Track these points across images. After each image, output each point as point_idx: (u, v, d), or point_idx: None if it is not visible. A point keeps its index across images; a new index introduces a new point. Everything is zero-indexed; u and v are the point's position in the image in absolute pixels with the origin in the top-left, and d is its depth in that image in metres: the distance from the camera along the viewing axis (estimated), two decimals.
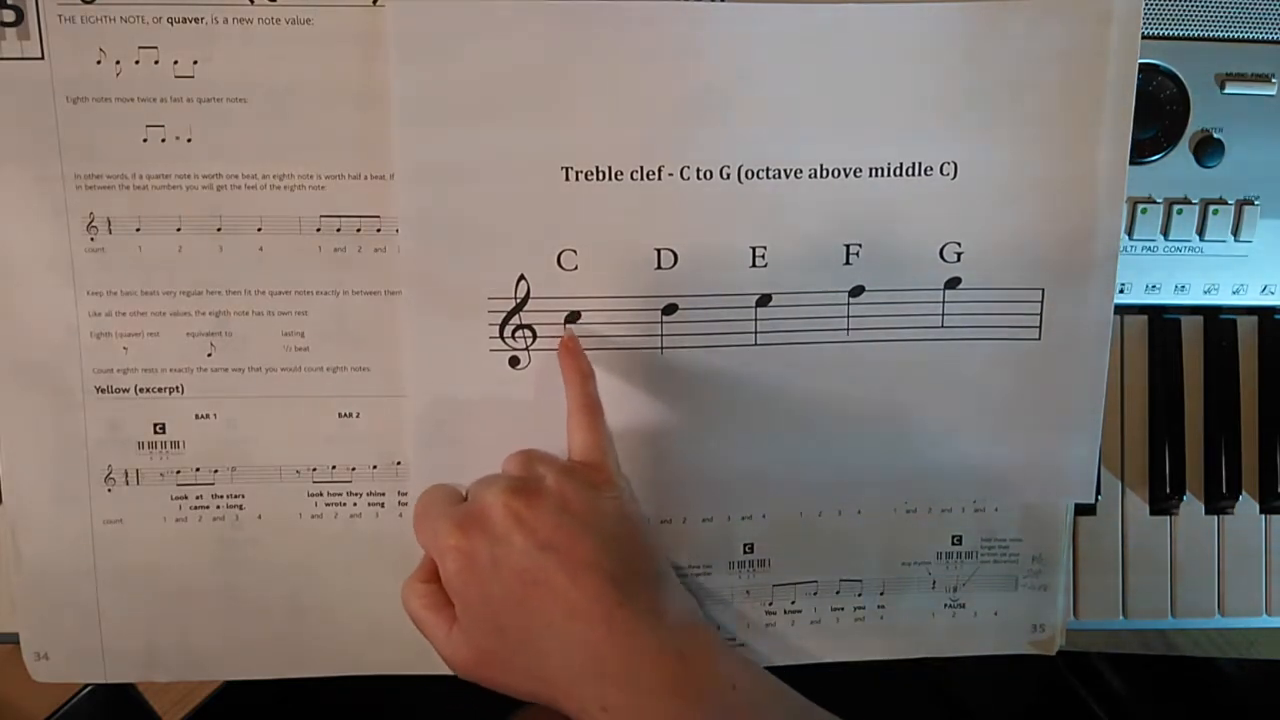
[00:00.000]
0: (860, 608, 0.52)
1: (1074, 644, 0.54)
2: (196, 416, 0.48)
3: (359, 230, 0.47)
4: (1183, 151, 0.52)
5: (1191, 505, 0.55)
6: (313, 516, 0.49)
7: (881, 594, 0.52)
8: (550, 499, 0.41)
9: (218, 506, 0.49)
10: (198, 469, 0.49)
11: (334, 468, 0.49)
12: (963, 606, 0.52)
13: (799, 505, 0.50)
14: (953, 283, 0.48)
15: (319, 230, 0.47)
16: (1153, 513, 0.55)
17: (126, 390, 0.48)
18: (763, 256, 0.47)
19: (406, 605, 0.44)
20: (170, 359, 0.48)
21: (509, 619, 0.40)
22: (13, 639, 0.49)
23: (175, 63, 0.45)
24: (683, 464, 0.49)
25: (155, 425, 0.48)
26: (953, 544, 0.52)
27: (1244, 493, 0.55)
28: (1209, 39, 0.51)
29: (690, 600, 0.43)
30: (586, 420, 0.45)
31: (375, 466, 0.49)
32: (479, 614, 0.41)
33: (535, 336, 0.47)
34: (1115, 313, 0.49)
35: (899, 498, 0.51)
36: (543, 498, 0.41)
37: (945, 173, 0.47)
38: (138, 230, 0.46)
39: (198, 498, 0.49)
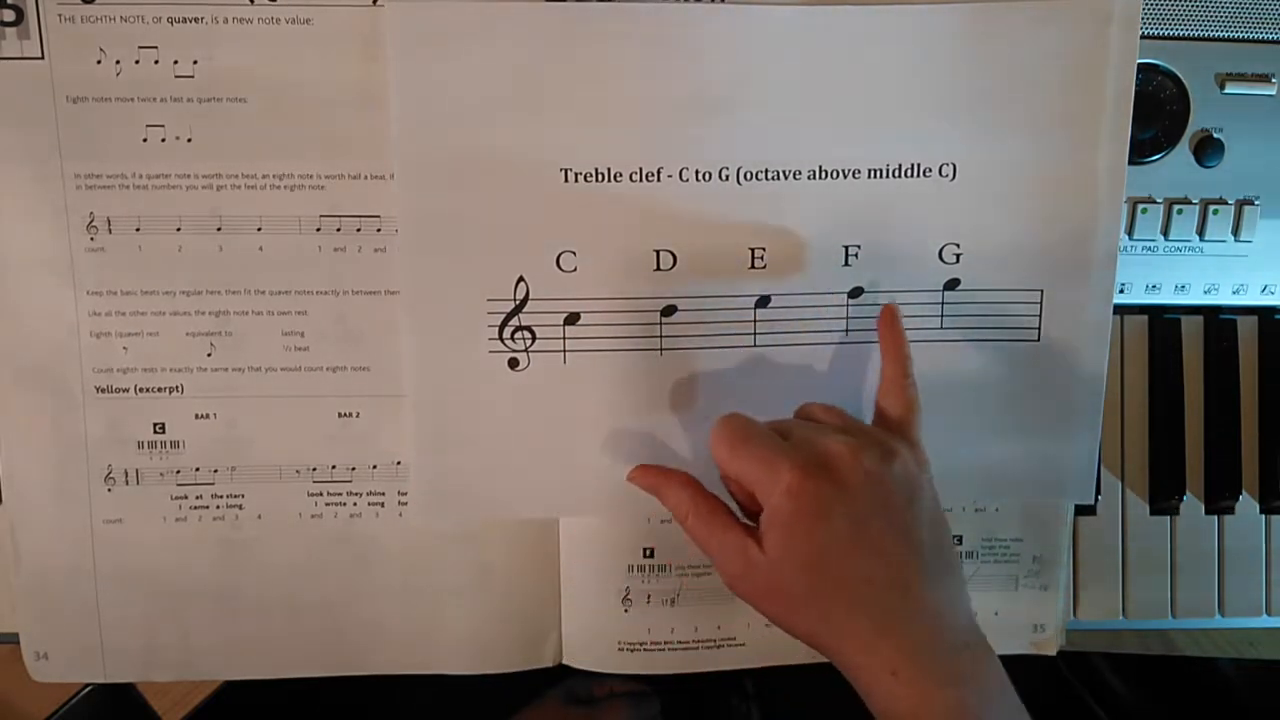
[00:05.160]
0: None
1: (1074, 644, 0.54)
2: (196, 416, 0.48)
3: (359, 230, 0.47)
4: (1183, 151, 0.52)
5: (1191, 505, 0.55)
6: (313, 516, 0.49)
7: None
8: (899, 465, 0.41)
9: (218, 506, 0.49)
10: (198, 469, 0.49)
11: (334, 468, 0.49)
12: None
13: None
14: (952, 284, 0.48)
15: (319, 230, 0.47)
16: (1153, 513, 0.55)
17: (126, 390, 0.48)
18: (762, 258, 0.47)
19: (700, 517, 0.42)
20: (170, 359, 0.48)
21: (828, 566, 0.40)
22: (13, 639, 0.49)
23: (175, 63, 0.45)
24: (683, 464, 0.49)
25: (155, 425, 0.48)
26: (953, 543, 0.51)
27: (1244, 493, 0.55)
28: (1209, 39, 0.51)
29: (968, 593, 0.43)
30: (911, 397, 0.45)
31: (375, 466, 0.49)
32: (797, 552, 0.40)
33: (534, 338, 0.47)
34: (1115, 313, 0.49)
35: None
36: (895, 461, 0.41)
37: (944, 174, 0.47)
38: (138, 230, 0.46)
39: (198, 498, 0.49)
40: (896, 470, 0.41)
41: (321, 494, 0.49)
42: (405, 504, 0.49)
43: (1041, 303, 0.48)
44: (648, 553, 0.50)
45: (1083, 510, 0.53)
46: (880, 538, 0.39)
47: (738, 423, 0.42)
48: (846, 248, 0.48)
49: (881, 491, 0.40)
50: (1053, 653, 0.53)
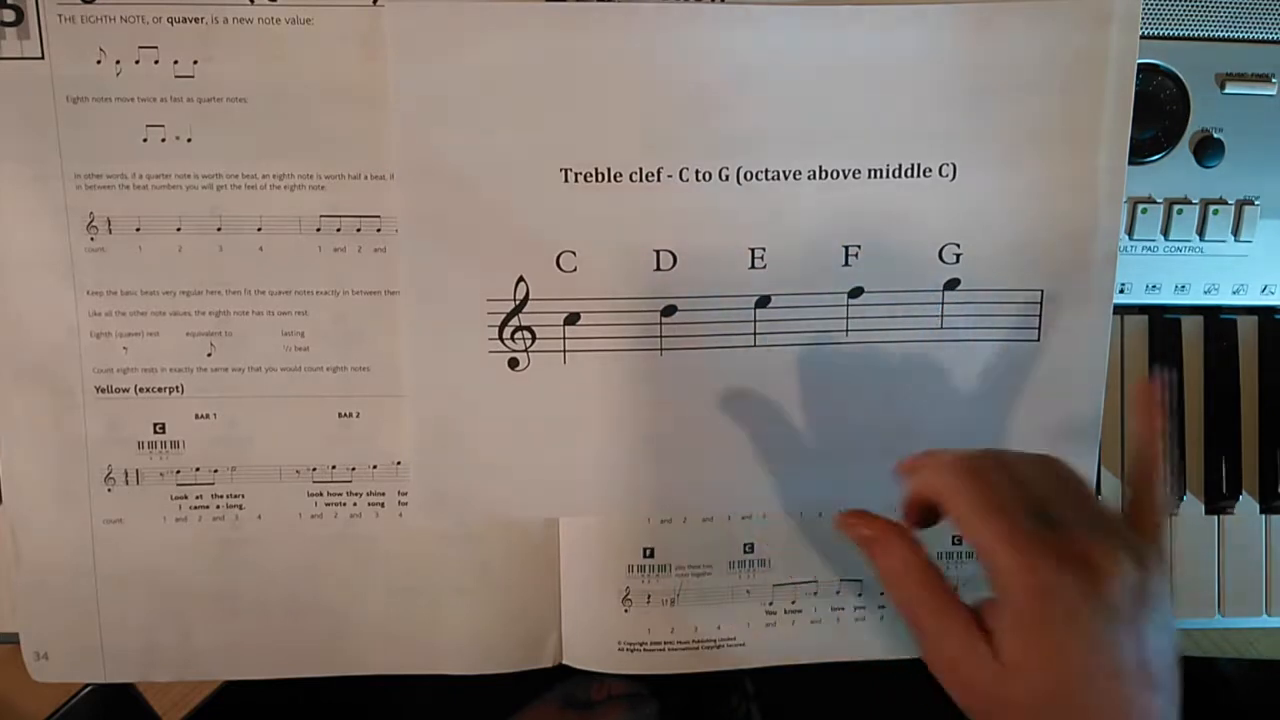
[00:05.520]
0: (860, 608, 0.52)
1: None
2: (196, 416, 0.48)
3: (359, 230, 0.47)
4: (1183, 151, 0.52)
5: (1191, 505, 0.55)
6: (313, 516, 0.49)
7: (882, 594, 0.52)
8: (1157, 582, 0.36)
9: (218, 506, 0.49)
10: (198, 469, 0.49)
11: (334, 468, 0.49)
12: None
13: (799, 505, 0.50)
14: (952, 284, 0.48)
15: (319, 230, 0.47)
16: None
17: (126, 390, 0.48)
18: (762, 258, 0.47)
19: (924, 586, 0.38)
20: (170, 359, 0.48)
21: (1068, 689, 0.35)
22: (13, 639, 0.49)
23: (175, 63, 0.45)
24: (683, 464, 0.49)
25: (155, 425, 0.48)
26: (953, 544, 0.51)
27: (1244, 493, 0.55)
28: (1209, 39, 0.51)
29: None
30: (1163, 499, 0.40)
31: (375, 466, 0.49)
32: (1038, 666, 0.36)
33: (534, 338, 0.47)
34: (1115, 313, 0.49)
35: (899, 498, 0.51)
36: (1156, 576, 0.36)
37: (944, 174, 0.47)
38: (138, 230, 0.47)
39: (198, 498, 0.49)
40: (1153, 586, 0.36)
41: (321, 494, 0.49)
42: (405, 504, 0.49)
43: (1041, 303, 0.48)
44: (648, 553, 0.50)
45: None
46: (1128, 663, 0.35)
47: (992, 478, 0.37)
48: (846, 248, 0.48)
49: (1137, 609, 0.36)
50: None
